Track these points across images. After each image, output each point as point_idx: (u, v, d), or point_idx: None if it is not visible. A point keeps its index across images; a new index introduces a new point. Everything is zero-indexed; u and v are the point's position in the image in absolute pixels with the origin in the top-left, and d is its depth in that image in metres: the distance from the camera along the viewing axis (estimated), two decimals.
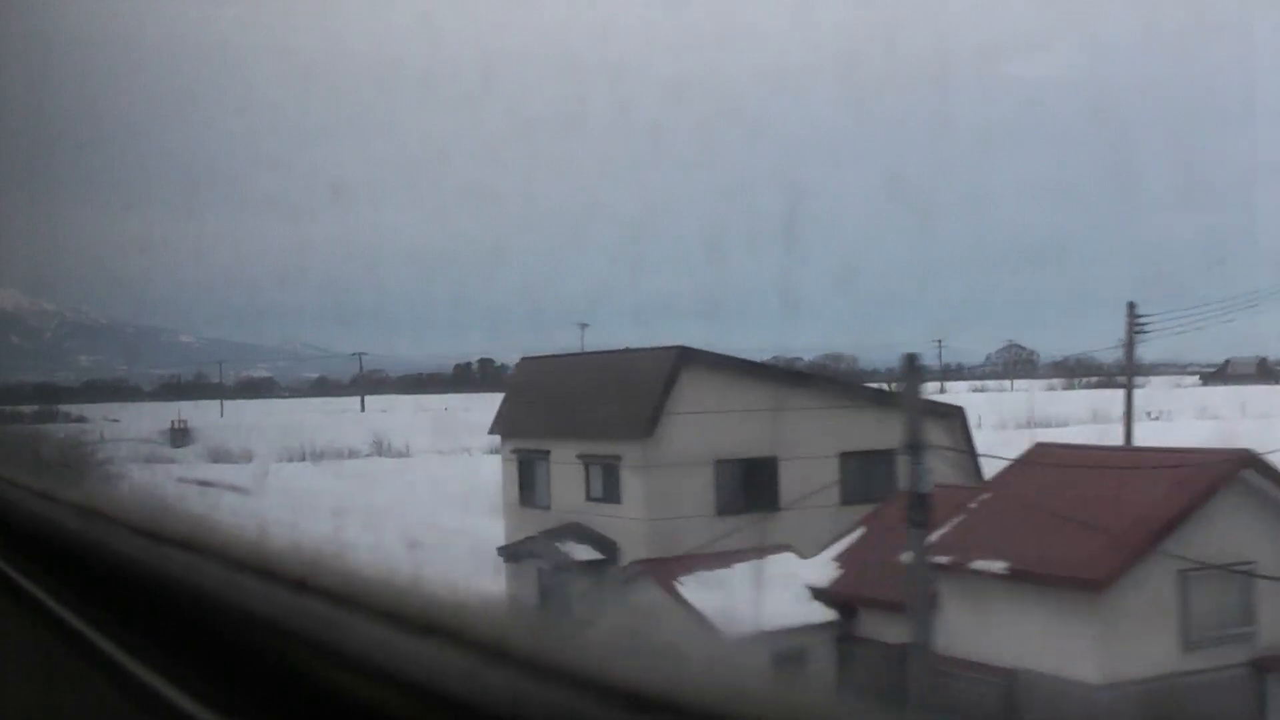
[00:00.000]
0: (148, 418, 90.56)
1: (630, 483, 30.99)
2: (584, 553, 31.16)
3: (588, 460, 32.20)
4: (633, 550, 30.51)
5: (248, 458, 79.40)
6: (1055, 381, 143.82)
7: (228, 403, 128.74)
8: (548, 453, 33.58)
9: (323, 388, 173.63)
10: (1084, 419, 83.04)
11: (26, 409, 70.24)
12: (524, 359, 36.85)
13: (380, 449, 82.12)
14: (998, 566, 22.88)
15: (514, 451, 34.92)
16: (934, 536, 24.71)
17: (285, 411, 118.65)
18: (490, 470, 63.87)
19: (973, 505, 24.94)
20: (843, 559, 26.67)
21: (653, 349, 32.30)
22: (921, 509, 18.07)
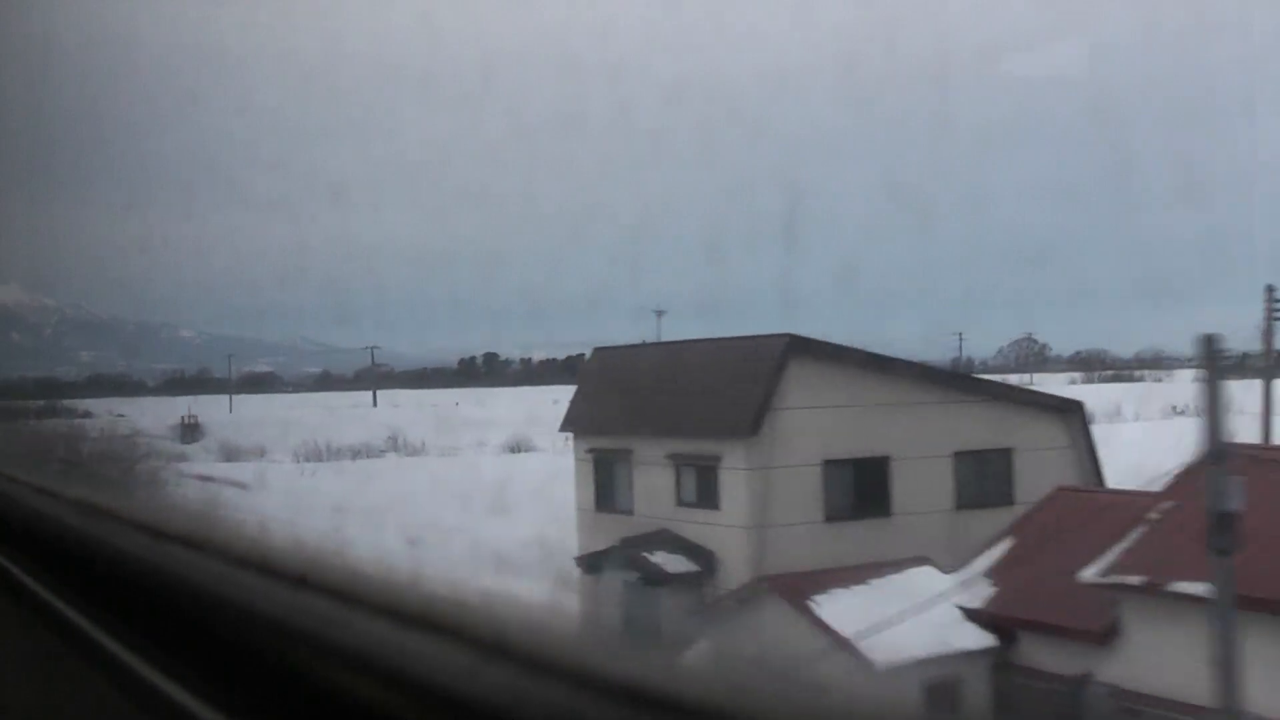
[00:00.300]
0: (153, 413, 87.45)
1: (731, 486, 27.71)
2: (677, 564, 27.87)
3: (679, 461, 28.90)
4: (734, 561, 27.28)
5: (260, 454, 76.41)
6: (1075, 375, 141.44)
7: (232, 398, 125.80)
8: (630, 452, 30.25)
9: (326, 382, 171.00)
10: (1119, 412, 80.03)
11: (36, 403, 66.92)
12: (598, 349, 33.35)
13: (406, 447, 79.12)
14: (1206, 589, 19.62)
15: (589, 451, 31.53)
16: (1113, 552, 21.53)
17: (292, 406, 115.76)
18: (526, 468, 60.72)
19: (1154, 515, 21.70)
20: (994, 575, 23.42)
21: (757, 337, 28.93)
22: (1227, 532, 14.75)
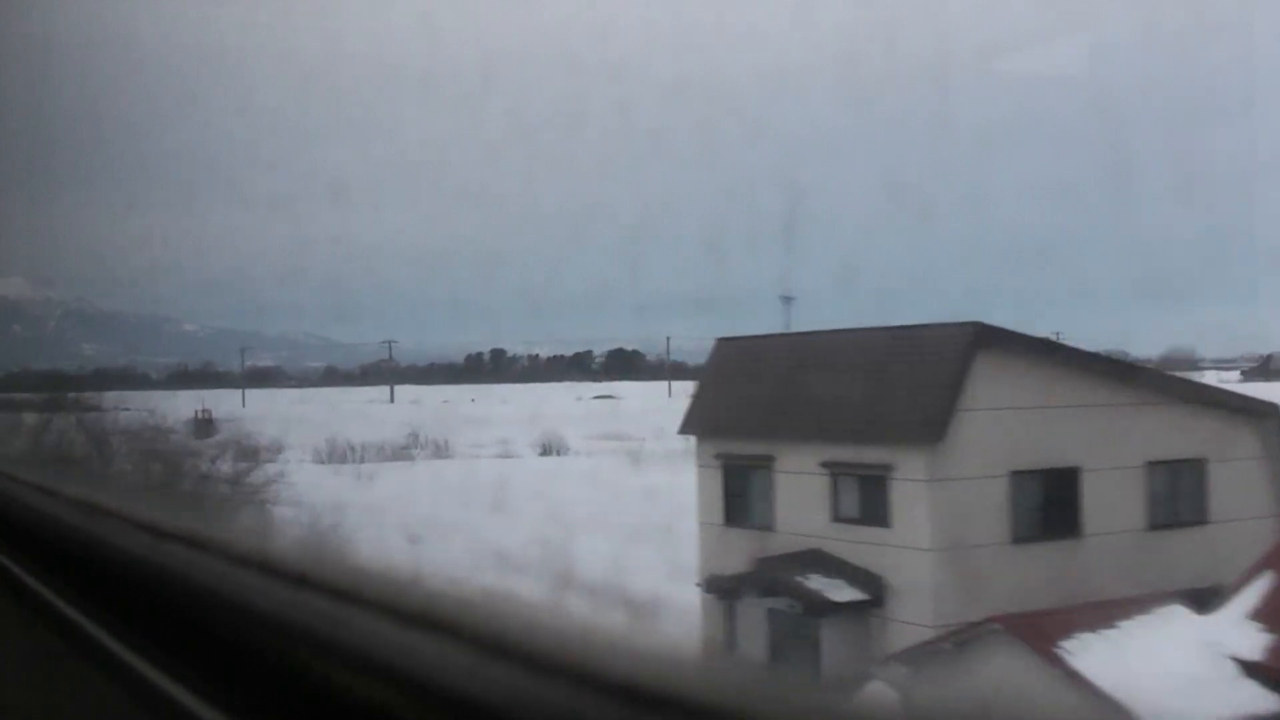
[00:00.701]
0: (163, 407, 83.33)
1: (908, 500, 23.57)
2: (841, 591, 23.75)
3: (837, 470, 24.75)
4: (910, 589, 23.20)
5: (279, 451, 72.44)
6: None
7: (237, 391, 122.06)
8: (771, 458, 26.10)
9: (331, 378, 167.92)
10: None
11: (42, 397, 62.65)
12: (721, 340, 29.08)
13: (432, 446, 75.22)
14: None
15: (717, 456, 27.35)
16: None
17: (302, 401, 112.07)
18: (583, 471, 56.55)
19: None
20: (1264, 618, 19.33)
21: (935, 326, 24.78)
22: None
